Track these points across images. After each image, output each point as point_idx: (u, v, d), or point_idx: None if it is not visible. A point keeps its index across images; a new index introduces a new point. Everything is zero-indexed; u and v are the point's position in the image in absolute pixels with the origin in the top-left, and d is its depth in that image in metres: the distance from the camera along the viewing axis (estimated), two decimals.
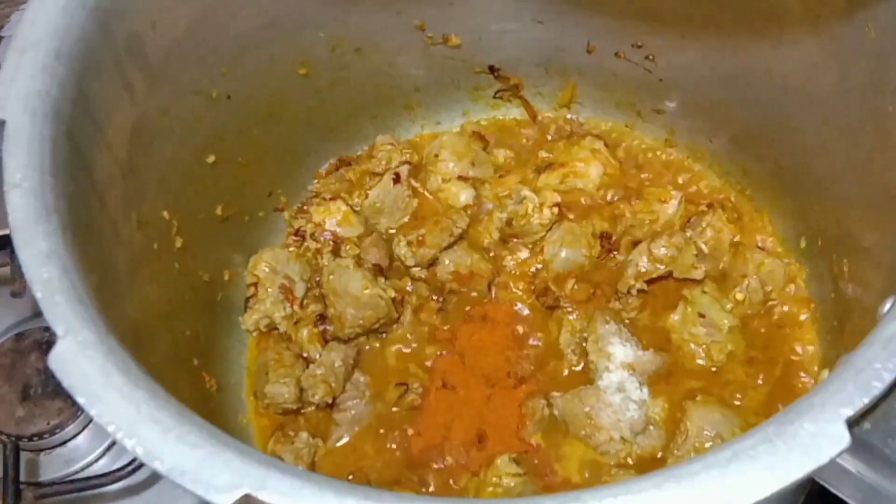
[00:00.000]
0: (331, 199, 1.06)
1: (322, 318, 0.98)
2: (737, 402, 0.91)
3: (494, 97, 1.13)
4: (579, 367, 0.95)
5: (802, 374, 0.93)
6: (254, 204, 1.04)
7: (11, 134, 0.62)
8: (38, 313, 0.68)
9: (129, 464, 0.92)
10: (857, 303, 0.84)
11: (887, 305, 0.56)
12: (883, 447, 0.51)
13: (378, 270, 0.98)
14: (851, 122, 0.82)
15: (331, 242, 1.04)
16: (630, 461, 0.89)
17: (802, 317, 0.96)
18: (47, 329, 0.87)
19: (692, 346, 0.94)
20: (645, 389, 0.91)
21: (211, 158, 0.94)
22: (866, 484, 0.51)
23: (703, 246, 0.98)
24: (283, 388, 0.93)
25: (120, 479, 0.92)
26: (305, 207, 1.07)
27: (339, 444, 0.94)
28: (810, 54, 0.84)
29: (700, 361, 0.94)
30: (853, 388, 0.49)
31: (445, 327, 0.99)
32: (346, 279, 0.95)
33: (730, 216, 1.01)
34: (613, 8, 0.97)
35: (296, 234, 1.06)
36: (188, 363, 0.90)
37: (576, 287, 0.99)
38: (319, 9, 0.95)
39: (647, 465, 0.89)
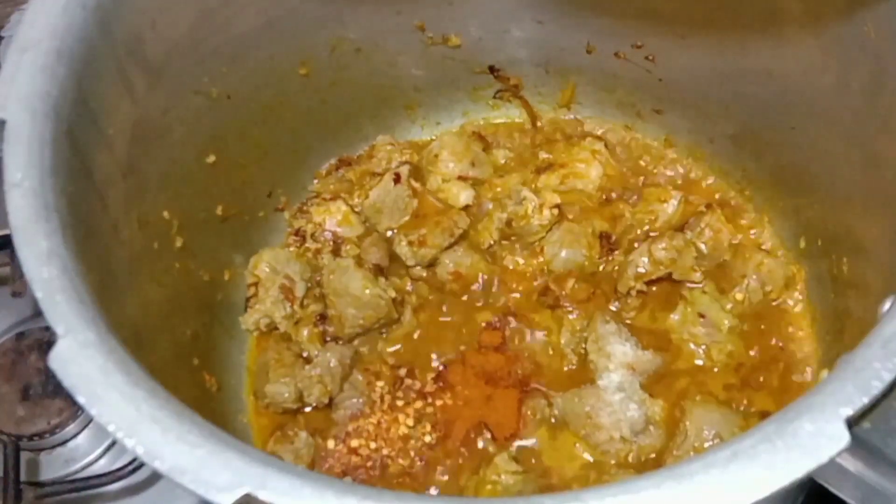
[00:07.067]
0: (331, 199, 1.06)
1: (322, 317, 0.98)
2: (736, 402, 0.91)
3: (494, 97, 1.13)
4: (579, 367, 0.95)
5: (802, 374, 0.93)
6: (254, 204, 1.04)
7: (11, 134, 0.62)
8: (38, 313, 0.68)
9: (129, 464, 0.92)
10: (856, 302, 0.84)
11: (887, 305, 0.56)
12: (883, 447, 0.51)
13: (378, 270, 0.98)
14: (851, 122, 0.82)
15: (331, 242, 1.04)
16: (630, 461, 0.89)
17: (802, 317, 0.96)
18: (47, 329, 0.87)
19: (692, 345, 0.95)
20: (644, 389, 0.91)
21: (211, 158, 0.94)
22: (866, 483, 0.51)
23: (702, 246, 0.98)
24: (284, 388, 0.93)
25: (120, 478, 0.93)
26: (305, 207, 1.07)
27: None
28: (810, 54, 0.84)
29: (699, 361, 0.94)
30: (853, 388, 0.49)
31: (445, 326, 0.99)
32: (346, 279, 0.95)
33: (729, 216, 1.01)
34: (613, 8, 0.97)
35: (296, 234, 1.06)
36: (188, 363, 0.90)
37: (576, 287, 0.99)
38: (319, 9, 0.95)
39: (647, 464, 0.89)
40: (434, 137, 1.12)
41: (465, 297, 1.01)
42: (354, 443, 0.93)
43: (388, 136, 1.12)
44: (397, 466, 0.92)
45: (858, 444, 0.49)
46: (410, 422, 0.94)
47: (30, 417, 0.99)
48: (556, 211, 1.01)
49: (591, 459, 0.90)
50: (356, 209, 1.05)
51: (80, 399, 0.52)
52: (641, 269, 0.96)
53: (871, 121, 0.78)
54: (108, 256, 0.71)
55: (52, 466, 1.00)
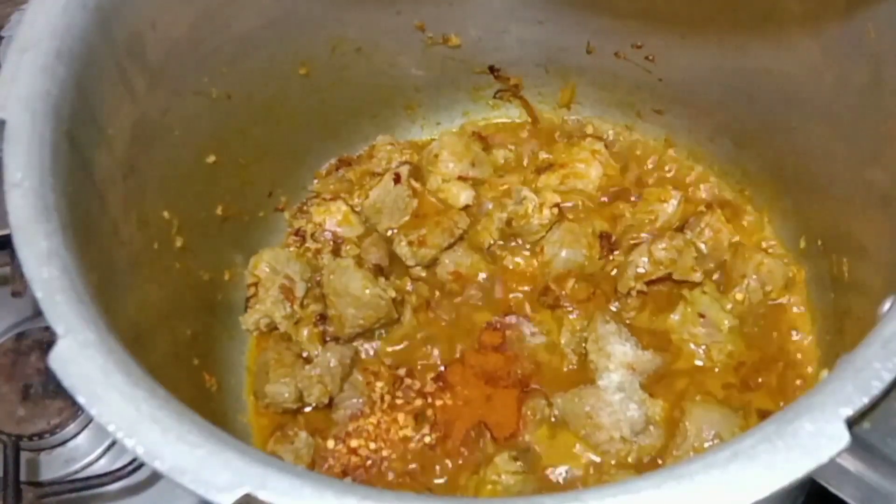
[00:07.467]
0: (331, 199, 1.06)
1: (322, 317, 0.98)
2: (736, 402, 0.91)
3: (494, 97, 1.13)
4: (579, 367, 0.95)
5: (802, 374, 0.93)
6: (254, 204, 1.04)
7: (11, 134, 0.62)
8: (38, 313, 0.68)
9: (129, 464, 0.92)
10: (856, 303, 0.84)
11: (887, 305, 0.56)
12: (883, 447, 0.51)
13: (378, 270, 0.98)
14: (851, 122, 0.82)
15: (331, 242, 1.04)
16: (630, 461, 0.89)
17: (802, 317, 0.96)
18: (48, 329, 0.87)
19: (692, 346, 0.94)
20: (644, 389, 0.91)
21: (211, 158, 0.94)
22: (866, 484, 0.51)
23: (702, 246, 0.98)
24: (284, 388, 0.93)
25: (120, 479, 0.93)
26: (305, 207, 1.07)
27: None
28: (810, 54, 0.84)
29: (699, 361, 0.94)
30: (853, 388, 0.49)
31: (445, 326, 0.99)
32: (346, 279, 0.95)
33: (729, 216, 1.01)
34: (613, 8, 0.97)
35: (296, 234, 1.06)
36: (188, 363, 0.90)
37: (576, 286, 0.99)
38: (319, 9, 0.95)
39: (647, 465, 0.89)
40: (434, 137, 1.13)
41: (465, 297, 1.01)
42: (354, 443, 0.93)
43: (388, 136, 1.12)
44: (397, 466, 0.92)
45: (858, 444, 0.49)
46: (410, 422, 0.94)
47: (30, 417, 0.99)
48: (556, 211, 1.01)
49: (590, 459, 0.90)
50: (356, 209, 1.05)
51: (80, 399, 0.52)
52: (641, 269, 0.96)
53: (870, 121, 0.78)
54: (108, 256, 0.71)
55: (52, 466, 1.00)
